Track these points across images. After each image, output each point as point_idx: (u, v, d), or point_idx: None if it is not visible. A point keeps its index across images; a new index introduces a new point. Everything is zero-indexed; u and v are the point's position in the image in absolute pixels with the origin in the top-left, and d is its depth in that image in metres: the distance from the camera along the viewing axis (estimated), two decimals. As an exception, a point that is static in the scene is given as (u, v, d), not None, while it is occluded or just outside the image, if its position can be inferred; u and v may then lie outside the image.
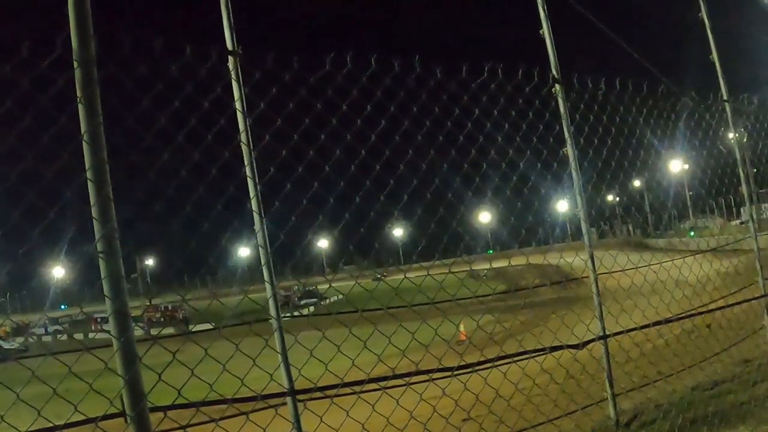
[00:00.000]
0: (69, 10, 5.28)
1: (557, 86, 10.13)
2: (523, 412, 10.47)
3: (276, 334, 7.46)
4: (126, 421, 5.03)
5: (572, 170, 10.28)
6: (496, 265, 66.14)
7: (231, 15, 7.41)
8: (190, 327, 50.00)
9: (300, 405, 7.38)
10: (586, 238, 10.35)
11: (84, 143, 5.14)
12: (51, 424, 5.64)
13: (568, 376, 10.89)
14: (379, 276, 67.13)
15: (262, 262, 7.49)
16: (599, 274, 10.49)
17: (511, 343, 15.90)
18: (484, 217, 31.22)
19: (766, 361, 12.28)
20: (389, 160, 8.49)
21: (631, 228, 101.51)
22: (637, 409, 10.58)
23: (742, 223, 55.49)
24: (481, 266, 63.65)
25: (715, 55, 13.64)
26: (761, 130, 16.34)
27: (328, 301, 71.03)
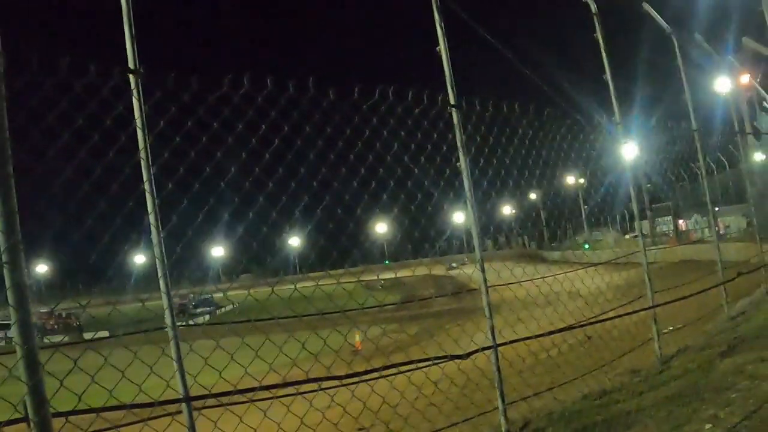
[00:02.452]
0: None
1: (453, 111, 10.46)
2: (411, 422, 10.74)
3: (172, 344, 7.64)
4: (29, 425, 5.19)
5: (466, 191, 10.56)
6: (391, 275, 66.46)
7: (134, 35, 7.59)
8: (84, 334, 49.34)
9: (195, 412, 7.58)
10: (477, 250, 10.63)
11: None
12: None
13: (455, 386, 11.18)
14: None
15: (159, 274, 7.66)
16: (493, 286, 10.82)
17: (402, 354, 16.25)
18: (381, 228, 31.40)
19: (653, 371, 12.78)
20: (289, 174, 8.74)
21: (526, 240, 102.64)
22: (527, 419, 10.87)
23: (636, 236, 56.70)
24: (377, 276, 63.95)
25: (608, 76, 14.12)
26: (657, 148, 16.91)
27: (223, 309, 70.55)
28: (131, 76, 7.45)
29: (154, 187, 7.46)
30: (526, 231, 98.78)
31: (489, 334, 10.20)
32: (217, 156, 7.89)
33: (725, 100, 23.87)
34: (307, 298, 10.53)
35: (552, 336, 12.26)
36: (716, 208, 48.92)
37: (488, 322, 10.25)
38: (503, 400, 10.21)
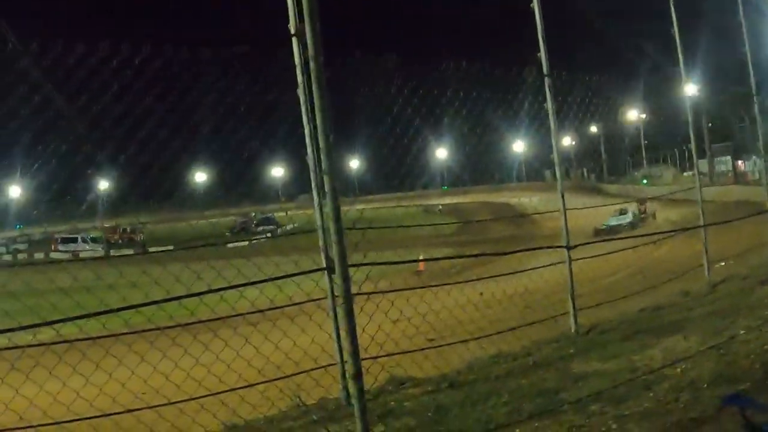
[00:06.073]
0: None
1: (546, 79, 12.09)
2: (481, 328, 12.25)
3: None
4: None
5: (553, 140, 12.39)
6: (450, 201, 67.05)
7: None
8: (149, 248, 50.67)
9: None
10: (559, 181, 12.50)
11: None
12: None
13: (531, 299, 12.50)
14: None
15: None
16: (550, 212, 12.00)
17: (468, 274, 17.39)
18: (441, 153, 31.70)
19: (701, 293, 14.54)
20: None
21: (586, 172, 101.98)
22: (593, 324, 12.52)
23: (694, 174, 56.56)
24: (436, 201, 64.61)
25: (675, 29, 14.92)
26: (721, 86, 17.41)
27: (284, 227, 71.15)
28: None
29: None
30: (585, 164, 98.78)
31: (564, 238, 12.00)
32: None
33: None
34: (374, 220, 11.12)
35: (610, 266, 13.61)
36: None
37: (563, 226, 12.10)
38: (574, 304, 12.11)
